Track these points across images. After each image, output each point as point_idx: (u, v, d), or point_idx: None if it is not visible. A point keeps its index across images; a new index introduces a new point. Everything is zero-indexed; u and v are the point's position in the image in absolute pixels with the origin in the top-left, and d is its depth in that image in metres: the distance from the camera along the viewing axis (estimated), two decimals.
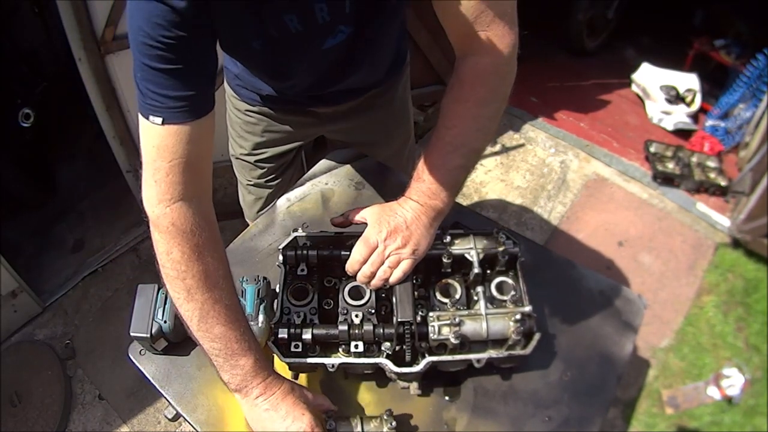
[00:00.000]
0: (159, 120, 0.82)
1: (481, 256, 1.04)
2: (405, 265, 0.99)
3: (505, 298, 1.03)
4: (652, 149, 2.90)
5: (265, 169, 1.44)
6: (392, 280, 0.99)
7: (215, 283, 0.87)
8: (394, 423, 0.92)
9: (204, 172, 0.90)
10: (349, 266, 1.00)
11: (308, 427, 0.88)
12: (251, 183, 1.48)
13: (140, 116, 0.84)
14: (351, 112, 1.32)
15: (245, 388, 0.89)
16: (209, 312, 0.86)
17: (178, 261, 0.85)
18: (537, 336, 0.98)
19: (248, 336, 0.90)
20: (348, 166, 1.40)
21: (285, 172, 1.48)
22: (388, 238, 0.98)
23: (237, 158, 1.48)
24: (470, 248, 1.05)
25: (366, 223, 1.04)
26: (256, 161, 1.43)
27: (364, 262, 0.99)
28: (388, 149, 1.46)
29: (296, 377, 1.04)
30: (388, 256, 0.98)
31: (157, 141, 0.83)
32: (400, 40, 1.25)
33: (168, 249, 0.85)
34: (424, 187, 1.00)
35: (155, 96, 0.81)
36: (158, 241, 0.86)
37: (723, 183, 2.77)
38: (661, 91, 3.08)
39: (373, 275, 0.99)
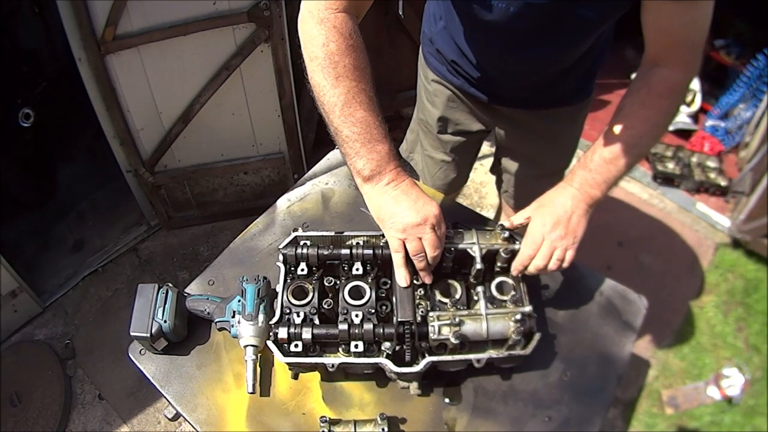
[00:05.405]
0: None
1: (484, 251, 1.04)
2: (570, 255, 1.02)
3: (505, 298, 1.03)
4: (652, 149, 2.90)
5: (439, 141, 1.53)
6: (564, 265, 1.03)
7: (362, 75, 0.96)
8: (386, 428, 0.92)
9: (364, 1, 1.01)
10: (519, 263, 1.03)
11: (437, 211, 0.98)
12: (427, 153, 1.59)
13: None
14: (529, 121, 1.39)
15: (379, 174, 0.97)
16: (354, 97, 0.94)
17: (334, 52, 0.94)
18: (537, 336, 0.98)
19: (385, 126, 0.98)
20: None
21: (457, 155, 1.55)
22: (552, 231, 1.01)
23: (417, 121, 1.59)
24: (473, 243, 1.05)
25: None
26: (426, 127, 1.53)
27: (533, 256, 1.02)
28: (547, 168, 1.52)
29: (296, 377, 1.04)
30: (555, 247, 1.01)
31: None
32: (593, 61, 1.27)
33: (326, 41, 0.94)
34: (588, 177, 1.05)
35: None
36: (316, 35, 0.95)
37: (723, 183, 2.77)
38: None
39: (544, 268, 1.02)
